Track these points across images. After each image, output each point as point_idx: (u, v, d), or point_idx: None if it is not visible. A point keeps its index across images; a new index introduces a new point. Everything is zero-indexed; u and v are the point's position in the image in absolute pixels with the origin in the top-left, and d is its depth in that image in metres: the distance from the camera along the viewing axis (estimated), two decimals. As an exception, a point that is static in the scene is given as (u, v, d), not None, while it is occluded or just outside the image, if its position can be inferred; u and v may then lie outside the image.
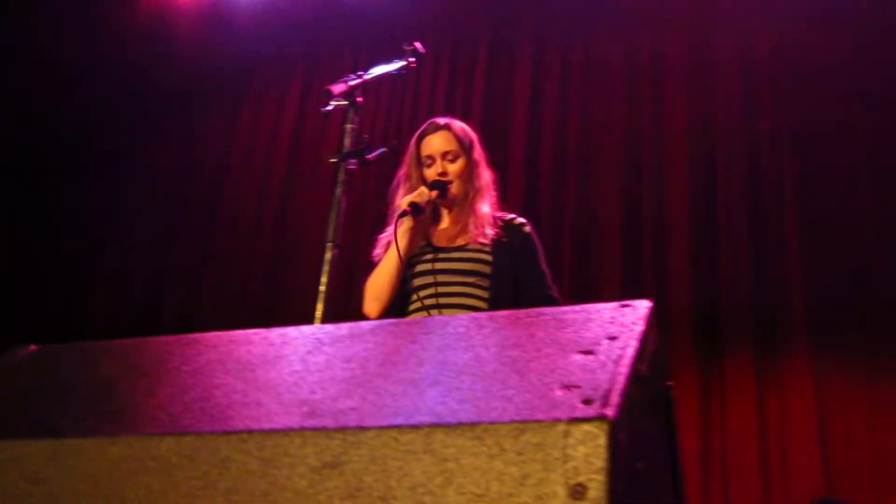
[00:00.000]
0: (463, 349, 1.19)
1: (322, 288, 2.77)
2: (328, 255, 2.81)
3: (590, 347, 1.12)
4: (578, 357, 1.10)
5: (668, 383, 1.33)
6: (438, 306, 3.14)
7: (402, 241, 3.19)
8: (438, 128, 3.41)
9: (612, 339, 1.13)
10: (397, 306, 3.26)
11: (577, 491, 0.90)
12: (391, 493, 0.96)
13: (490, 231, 3.27)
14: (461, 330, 1.26)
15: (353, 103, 3.01)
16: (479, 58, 6.93)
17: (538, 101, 6.66)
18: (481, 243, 3.26)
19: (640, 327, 1.16)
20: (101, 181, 7.78)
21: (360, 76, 3.07)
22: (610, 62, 6.69)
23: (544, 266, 3.34)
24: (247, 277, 7.06)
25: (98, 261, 7.55)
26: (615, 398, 0.97)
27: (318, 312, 2.71)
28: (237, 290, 6.98)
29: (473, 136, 3.45)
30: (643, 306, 1.22)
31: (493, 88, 6.76)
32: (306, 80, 7.60)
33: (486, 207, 3.34)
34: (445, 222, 3.41)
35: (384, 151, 3.26)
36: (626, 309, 1.22)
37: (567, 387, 1.02)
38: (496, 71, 6.86)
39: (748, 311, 5.85)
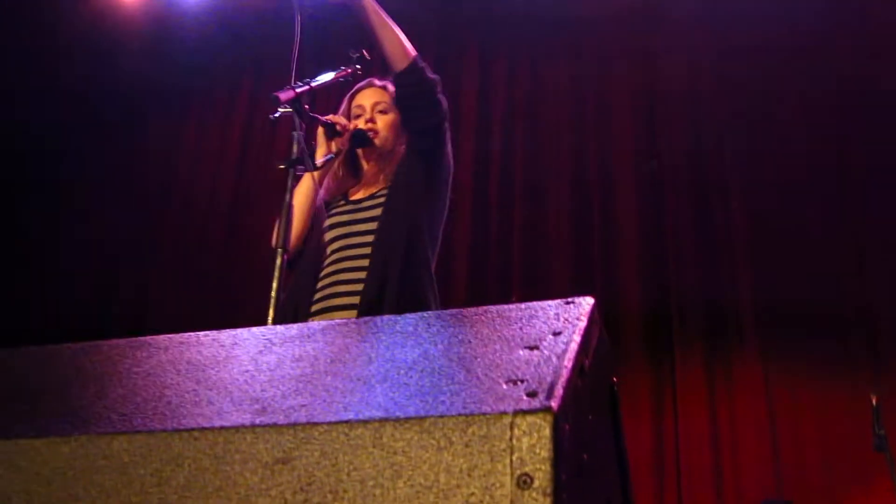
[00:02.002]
0: (411, 347, 1.22)
1: (273, 294, 2.77)
2: (278, 261, 2.82)
3: (534, 343, 1.15)
4: (523, 352, 1.13)
5: (613, 378, 1.36)
6: (339, 261, 3.10)
7: (317, 160, 3.18)
8: (374, 84, 3.41)
9: (556, 334, 1.16)
10: (313, 258, 3.18)
11: (524, 481, 0.93)
12: (342, 487, 0.98)
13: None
14: (409, 328, 1.29)
15: (300, 110, 3.02)
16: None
17: (485, 119, 6.70)
18: (381, 192, 3.21)
19: (583, 323, 1.19)
20: (46, 190, 7.69)
21: (306, 83, 3.08)
22: (556, 82, 6.76)
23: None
24: (198, 284, 7.02)
25: (45, 267, 7.45)
26: (559, 391, 1.00)
27: (270, 318, 2.72)
28: (188, 297, 6.95)
29: None
30: (587, 303, 1.25)
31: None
32: (254, 86, 7.59)
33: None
34: (365, 177, 3.35)
35: (331, 157, 3.28)
36: (569, 306, 1.25)
37: (512, 381, 1.05)
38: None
39: (698, 312, 5.94)
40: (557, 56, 6.78)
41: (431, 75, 3.17)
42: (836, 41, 6.13)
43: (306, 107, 3.03)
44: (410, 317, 1.33)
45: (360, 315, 2.86)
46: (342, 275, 3.07)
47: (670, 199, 6.25)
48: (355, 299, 2.97)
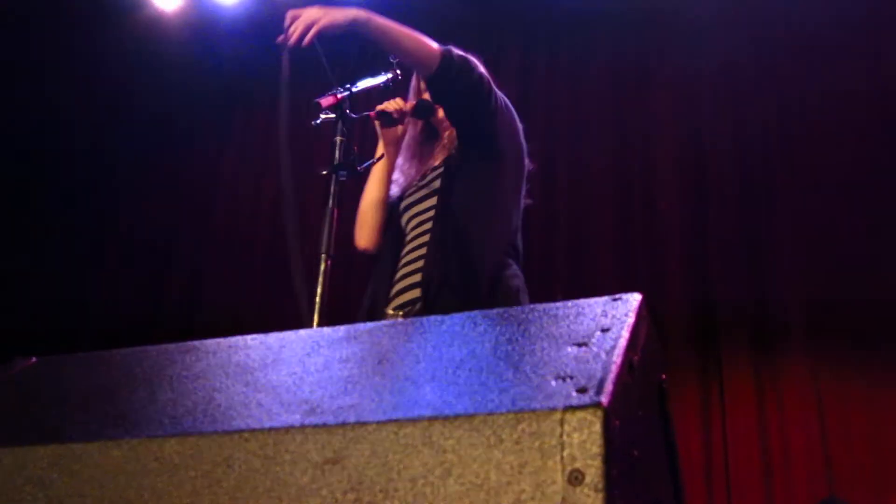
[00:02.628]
0: (458, 346, 1.22)
1: (317, 299, 2.78)
2: (322, 267, 2.82)
3: (583, 340, 1.14)
4: (572, 349, 1.12)
5: (662, 375, 1.35)
6: (412, 240, 3.00)
7: (387, 151, 3.15)
8: None
9: (605, 331, 1.15)
10: (396, 242, 3.08)
11: (575, 477, 0.92)
12: (392, 486, 0.98)
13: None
14: (456, 328, 1.29)
15: (342, 115, 3.03)
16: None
17: (526, 106, 6.69)
18: (443, 159, 3.11)
19: (631, 319, 1.18)
20: (94, 194, 7.79)
21: (347, 88, 3.08)
22: (598, 68, 6.74)
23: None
24: (242, 289, 7.08)
25: (93, 276, 7.54)
26: (609, 386, 0.99)
27: (314, 323, 2.72)
28: (233, 302, 7.00)
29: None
30: (634, 299, 1.25)
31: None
32: (295, 93, 7.63)
33: None
34: (436, 152, 3.23)
35: (374, 163, 3.28)
36: (617, 302, 1.24)
37: (562, 377, 1.04)
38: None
39: (745, 311, 5.88)
40: (596, 52, 6.77)
41: (465, 65, 2.95)
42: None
43: (348, 112, 3.04)
44: (457, 316, 1.33)
45: (423, 296, 2.77)
46: (413, 254, 2.98)
47: (715, 197, 6.20)
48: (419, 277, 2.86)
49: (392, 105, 3.16)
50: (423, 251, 2.93)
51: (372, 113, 3.15)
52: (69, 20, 7.14)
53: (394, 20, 2.95)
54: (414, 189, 3.14)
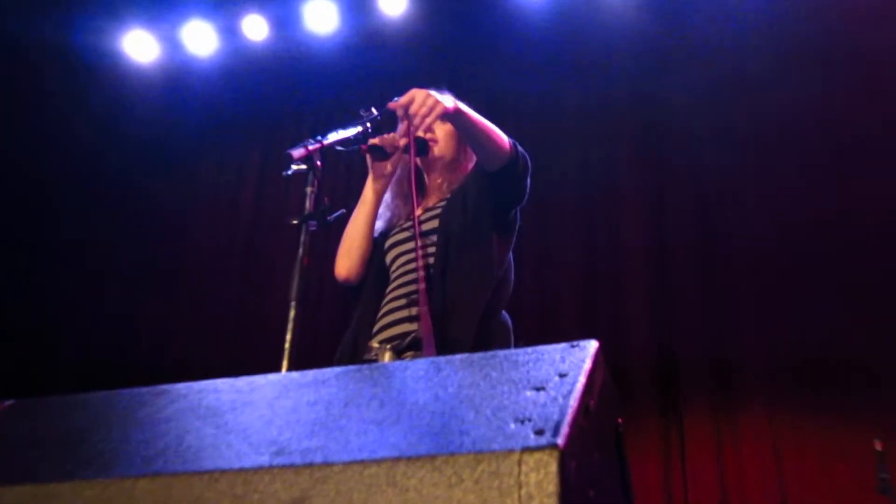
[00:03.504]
0: (422, 390, 1.24)
1: (287, 345, 2.78)
2: (292, 314, 2.83)
3: (541, 384, 1.17)
4: (530, 393, 1.15)
5: (619, 419, 1.38)
6: (401, 284, 2.96)
7: (370, 190, 3.13)
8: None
9: (562, 376, 1.18)
10: (379, 285, 3.04)
11: (532, 515, 0.94)
12: (357, 524, 1.00)
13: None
14: (420, 373, 1.31)
15: (312, 167, 3.05)
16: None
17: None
18: (439, 205, 3.08)
19: (588, 365, 1.21)
20: (62, 248, 7.74)
21: (319, 140, 3.10)
22: (562, 103, 6.82)
23: None
24: (214, 337, 7.05)
25: (64, 327, 7.47)
26: (565, 429, 1.02)
27: (283, 368, 2.73)
28: (203, 349, 6.96)
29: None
30: (591, 346, 1.27)
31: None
32: (266, 146, 7.67)
33: (470, 164, 3.15)
34: (428, 190, 3.21)
35: (343, 213, 3.30)
36: (574, 349, 1.27)
37: (520, 420, 1.07)
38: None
39: (704, 360, 5.93)
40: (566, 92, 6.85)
41: (525, 164, 2.97)
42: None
43: (318, 164, 3.06)
44: (421, 362, 1.36)
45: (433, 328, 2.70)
46: (399, 290, 2.95)
47: (677, 249, 6.27)
48: (415, 310, 2.82)
49: (385, 140, 3.13)
50: (412, 288, 2.90)
51: (364, 146, 3.14)
52: (41, 72, 7.15)
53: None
54: (402, 228, 3.13)
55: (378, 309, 2.99)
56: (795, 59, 6.21)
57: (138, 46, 7.49)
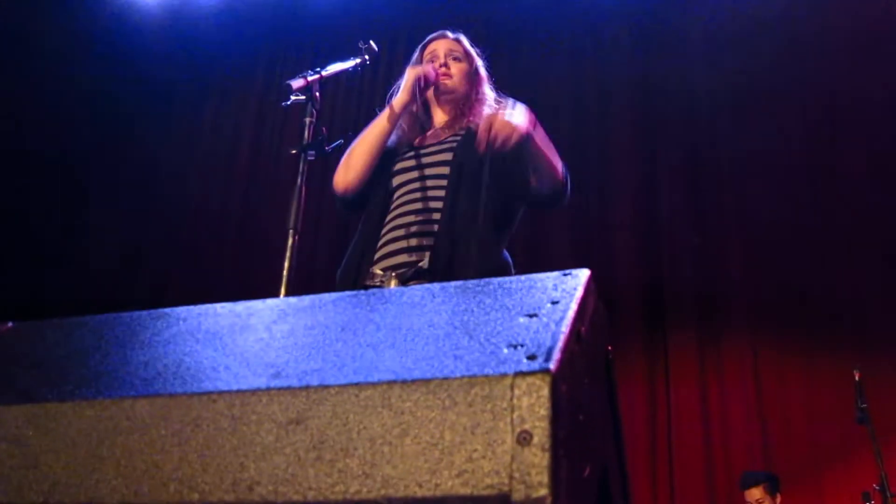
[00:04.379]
0: (417, 316, 1.23)
1: (285, 272, 2.78)
2: (290, 242, 2.82)
3: (533, 311, 1.16)
4: (523, 320, 1.14)
5: (608, 346, 1.37)
6: (407, 203, 2.96)
7: (392, 114, 3.06)
8: (446, 35, 3.28)
9: (555, 303, 1.17)
10: (381, 206, 3.02)
11: (524, 437, 0.94)
12: (352, 445, 1.00)
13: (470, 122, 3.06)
14: (415, 299, 1.30)
15: (311, 98, 3.03)
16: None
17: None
18: (453, 137, 3.07)
19: (580, 292, 1.20)
20: (71, 177, 7.69)
21: (317, 72, 3.08)
22: (559, 68, 6.77)
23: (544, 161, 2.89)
24: (214, 264, 7.05)
25: (69, 248, 7.46)
26: (557, 354, 1.01)
27: (282, 294, 2.73)
28: (205, 276, 6.97)
29: (483, 69, 3.27)
30: (583, 274, 1.26)
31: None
32: (266, 76, 7.60)
33: (480, 108, 3.13)
34: (433, 126, 3.22)
35: (341, 143, 3.27)
36: (566, 277, 1.26)
37: (513, 345, 1.06)
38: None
39: (690, 290, 5.96)
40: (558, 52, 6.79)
41: (565, 198, 3.02)
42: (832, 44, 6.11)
43: (317, 95, 3.03)
44: (416, 288, 1.35)
45: (432, 266, 2.73)
46: (400, 219, 2.94)
47: (665, 183, 6.26)
48: (419, 241, 2.84)
49: (428, 70, 3.09)
50: (412, 218, 2.90)
51: (427, 78, 3.07)
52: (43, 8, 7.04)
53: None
54: (409, 155, 3.10)
55: (381, 233, 2.97)
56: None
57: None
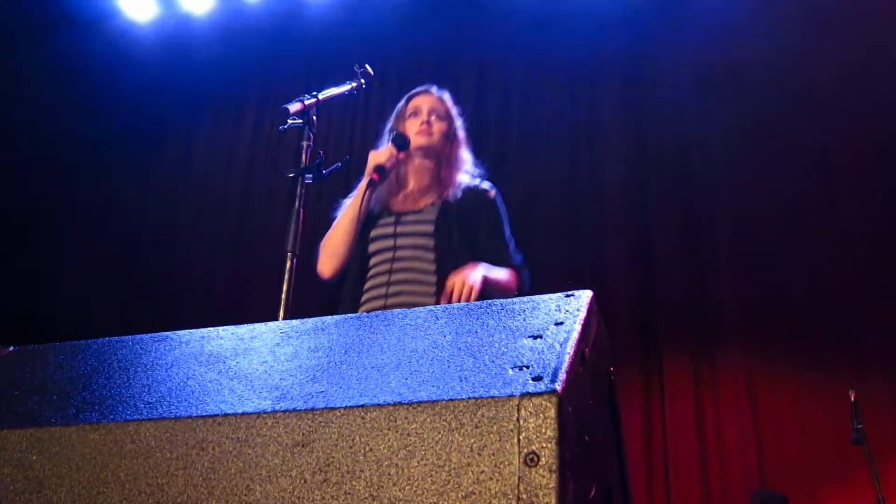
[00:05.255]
0: (421, 337, 1.23)
1: (283, 295, 2.77)
2: (288, 265, 2.82)
3: (538, 332, 1.16)
4: (528, 341, 1.14)
5: (611, 367, 1.37)
6: (391, 272, 3.06)
7: (357, 202, 3.14)
8: (431, 92, 3.35)
9: (559, 324, 1.17)
10: (356, 270, 3.15)
11: (531, 459, 0.93)
12: (358, 467, 0.99)
13: (447, 193, 3.16)
14: (419, 321, 1.30)
15: (308, 122, 3.03)
16: (426, 82, 7.01)
17: (481, 115, 6.70)
18: (433, 206, 3.15)
19: (583, 314, 1.20)
20: (63, 203, 7.67)
21: (314, 96, 3.08)
22: (550, 83, 6.78)
23: (507, 233, 3.19)
24: (209, 287, 7.03)
25: (63, 278, 7.42)
26: (563, 375, 1.01)
27: (281, 317, 2.72)
28: (200, 300, 6.95)
29: (460, 122, 3.34)
30: (586, 295, 1.26)
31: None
32: (261, 101, 7.61)
33: (456, 175, 3.22)
34: (410, 186, 3.27)
35: (338, 167, 3.27)
36: (570, 298, 1.26)
37: (518, 367, 1.06)
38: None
39: (684, 309, 5.96)
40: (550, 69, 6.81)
41: (527, 284, 3.19)
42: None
43: (314, 118, 3.04)
44: (420, 310, 1.34)
45: None
46: (378, 279, 3.08)
47: (658, 199, 6.28)
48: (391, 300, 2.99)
49: (390, 157, 3.17)
50: (384, 279, 3.05)
51: (375, 176, 3.15)
52: (43, 27, 7.05)
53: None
54: (388, 221, 3.18)
55: (359, 300, 3.10)
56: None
57: (135, 3, 7.40)
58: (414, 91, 3.39)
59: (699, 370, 5.87)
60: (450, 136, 3.27)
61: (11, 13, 6.90)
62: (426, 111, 3.27)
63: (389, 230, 3.15)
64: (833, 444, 5.33)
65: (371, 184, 3.15)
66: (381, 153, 3.17)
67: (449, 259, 2.99)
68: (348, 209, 3.20)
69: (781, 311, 5.74)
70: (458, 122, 3.35)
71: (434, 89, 3.38)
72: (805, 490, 5.50)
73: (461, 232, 3.08)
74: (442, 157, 3.25)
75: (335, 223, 3.24)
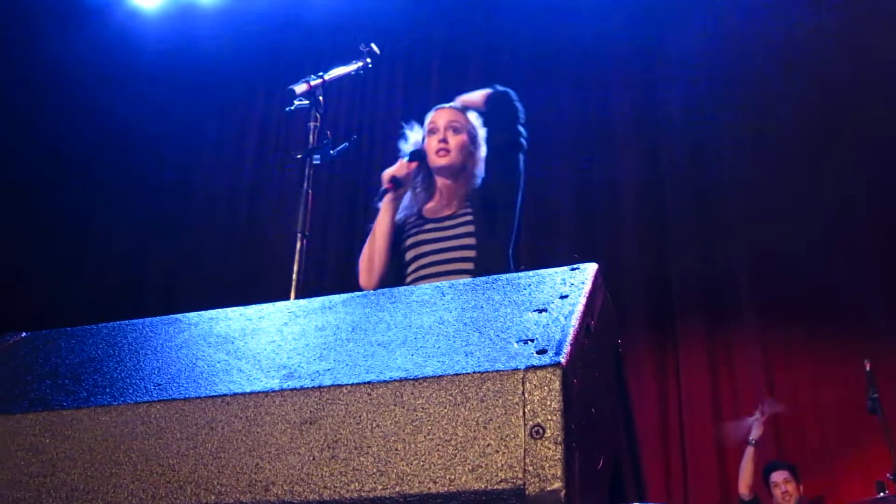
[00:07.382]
0: (427, 314, 1.23)
1: (294, 275, 2.79)
2: (298, 245, 2.83)
3: (543, 306, 1.16)
4: (533, 315, 1.14)
5: (618, 340, 1.37)
6: (432, 276, 3.10)
7: (386, 214, 3.21)
8: (452, 105, 3.39)
9: (564, 297, 1.17)
10: (394, 276, 3.20)
11: (536, 431, 0.94)
12: (366, 443, 1.00)
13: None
14: (425, 297, 1.30)
15: (315, 102, 3.03)
16: (433, 62, 7.00)
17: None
18: (466, 211, 3.20)
19: (588, 287, 1.20)
20: (82, 182, 7.68)
21: (320, 76, 3.08)
22: (560, 66, 6.76)
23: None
24: (220, 269, 7.05)
25: (79, 259, 7.45)
26: (567, 348, 1.01)
27: (292, 297, 2.73)
28: (212, 282, 6.97)
29: (482, 134, 3.37)
30: (591, 268, 1.27)
31: (444, 88, 6.79)
32: (269, 82, 7.61)
33: (478, 183, 3.29)
34: (441, 195, 3.32)
35: (346, 147, 3.28)
36: (575, 272, 1.26)
37: (523, 340, 1.06)
38: (447, 74, 6.91)
39: (698, 282, 5.95)
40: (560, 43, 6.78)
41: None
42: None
43: (320, 99, 3.04)
44: (426, 287, 1.35)
45: None
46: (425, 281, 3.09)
47: (671, 175, 6.26)
48: None
49: (402, 169, 3.25)
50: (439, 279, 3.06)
51: (389, 185, 3.21)
52: (46, 17, 7.05)
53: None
54: (425, 227, 3.23)
55: None
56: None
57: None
58: (433, 109, 3.41)
59: (714, 346, 5.87)
60: (469, 148, 3.30)
61: (16, 2, 6.90)
62: (443, 127, 3.29)
63: (419, 237, 3.20)
64: (849, 414, 5.33)
65: (389, 192, 3.22)
66: (394, 167, 3.26)
67: (490, 255, 3.07)
68: (377, 222, 3.26)
69: (795, 283, 5.73)
70: (479, 136, 3.35)
71: (448, 105, 3.41)
72: (822, 460, 5.51)
73: (494, 224, 3.17)
74: (466, 168, 3.30)
75: (368, 238, 3.30)
